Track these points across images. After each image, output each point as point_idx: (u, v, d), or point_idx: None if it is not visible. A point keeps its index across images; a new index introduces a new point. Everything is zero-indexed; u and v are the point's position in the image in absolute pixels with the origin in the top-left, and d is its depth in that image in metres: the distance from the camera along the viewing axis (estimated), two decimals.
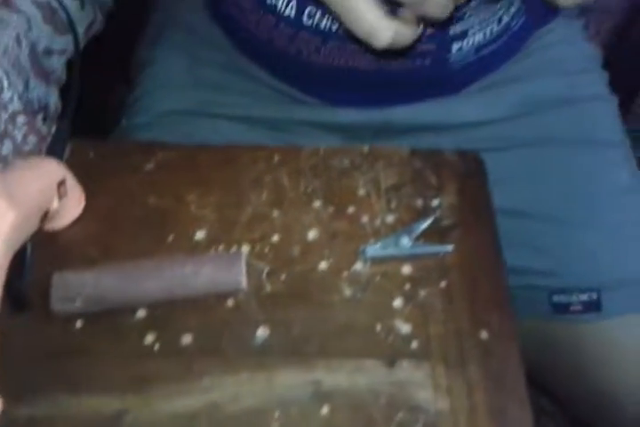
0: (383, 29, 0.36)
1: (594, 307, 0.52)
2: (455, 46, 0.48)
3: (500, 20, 0.49)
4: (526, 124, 0.54)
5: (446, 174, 0.44)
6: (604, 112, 0.58)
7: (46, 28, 0.46)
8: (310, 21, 0.46)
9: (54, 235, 0.40)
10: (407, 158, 0.45)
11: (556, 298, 0.53)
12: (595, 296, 0.52)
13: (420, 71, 0.49)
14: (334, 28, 0.46)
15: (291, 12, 0.46)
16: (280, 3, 0.46)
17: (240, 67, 0.54)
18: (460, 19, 0.46)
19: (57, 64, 0.48)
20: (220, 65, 0.55)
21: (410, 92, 0.52)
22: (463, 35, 0.48)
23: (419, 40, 0.41)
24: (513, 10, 0.50)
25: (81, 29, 0.50)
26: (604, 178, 0.55)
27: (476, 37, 0.49)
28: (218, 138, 0.52)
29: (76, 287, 0.35)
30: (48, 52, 0.47)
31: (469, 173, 0.44)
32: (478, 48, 0.50)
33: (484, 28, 0.49)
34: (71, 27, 0.45)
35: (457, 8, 0.38)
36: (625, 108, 0.84)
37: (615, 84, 0.60)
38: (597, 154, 0.55)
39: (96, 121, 0.61)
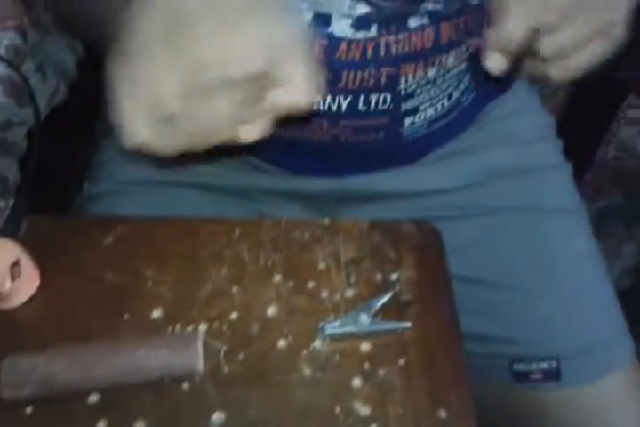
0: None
1: (553, 375, 0.52)
2: (407, 121, 0.50)
3: (450, 96, 0.51)
4: (483, 193, 0.55)
5: (404, 247, 0.44)
6: (559, 180, 0.60)
7: (7, 100, 0.46)
8: None
9: (8, 315, 0.39)
10: (366, 231, 0.45)
11: (516, 366, 0.53)
12: (554, 364, 0.52)
13: (373, 144, 0.50)
14: None
15: None
16: None
17: None
18: (411, 96, 0.48)
19: (17, 136, 0.48)
20: None
21: (366, 162, 0.53)
22: (414, 110, 0.49)
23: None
24: (462, 86, 0.52)
25: (43, 100, 0.50)
26: (560, 245, 0.56)
27: (428, 112, 0.50)
28: (181, 207, 0.52)
29: (27, 373, 0.35)
30: (8, 124, 0.47)
31: (427, 246, 0.45)
32: (430, 122, 0.51)
33: (434, 104, 0.50)
34: (32, 99, 0.45)
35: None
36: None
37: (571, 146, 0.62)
38: (553, 222, 0.56)
39: (58, 186, 0.61)
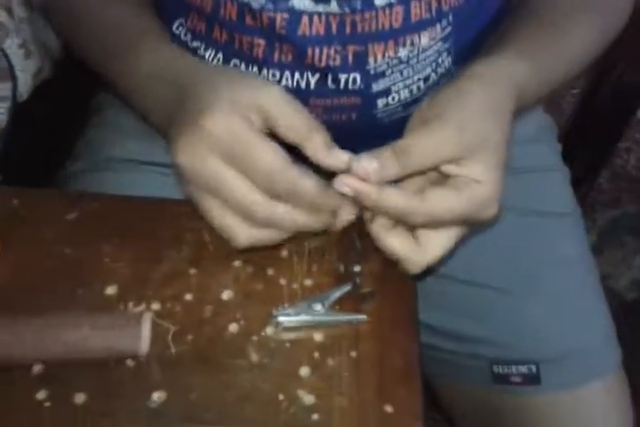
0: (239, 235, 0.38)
1: (533, 380, 0.51)
2: (380, 102, 0.49)
3: (427, 79, 0.49)
4: None
5: (371, 240, 0.44)
6: (552, 183, 0.58)
7: None
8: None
9: None
10: None
11: (495, 368, 0.52)
12: (534, 369, 0.51)
13: (347, 124, 0.49)
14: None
15: (217, 64, 0.48)
16: (208, 53, 0.47)
17: None
18: (381, 75, 0.47)
19: None
20: None
21: (341, 143, 0.53)
22: (387, 91, 0.48)
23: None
24: (441, 70, 0.50)
25: (28, 77, 0.51)
26: (548, 248, 0.55)
27: (402, 94, 0.49)
28: (156, 188, 0.52)
29: None
30: None
31: None
32: (405, 105, 0.50)
33: (409, 86, 0.49)
34: (11, 75, 0.46)
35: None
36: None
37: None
38: (542, 224, 0.55)
39: (42, 163, 0.61)
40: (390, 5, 0.43)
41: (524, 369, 0.51)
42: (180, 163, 0.36)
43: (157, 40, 0.43)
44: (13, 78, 0.46)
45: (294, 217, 0.37)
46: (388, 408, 0.36)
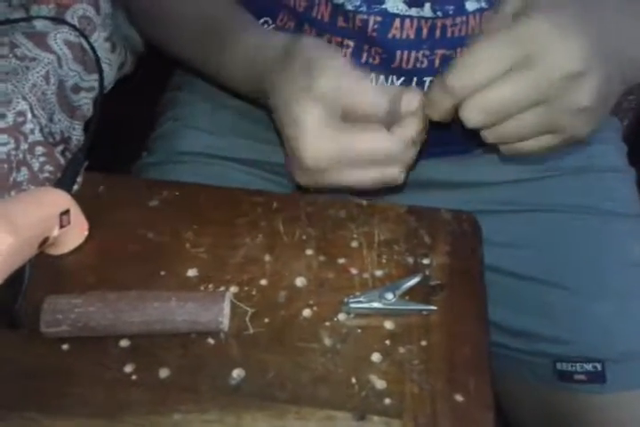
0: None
1: (598, 378, 0.51)
2: None
3: None
4: (538, 189, 0.55)
5: (440, 234, 0.45)
6: (620, 184, 0.58)
7: (76, 66, 0.49)
8: None
9: (54, 260, 0.41)
10: (403, 215, 0.46)
11: (559, 366, 0.52)
12: (599, 367, 0.51)
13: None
14: None
15: None
16: None
17: (258, 115, 0.56)
18: None
19: (84, 100, 0.51)
20: (240, 112, 0.57)
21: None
22: None
23: None
24: None
25: (112, 69, 0.53)
26: (615, 249, 0.55)
27: None
28: (225, 181, 0.54)
29: (64, 312, 0.37)
30: (76, 88, 0.50)
31: (463, 235, 0.45)
32: None
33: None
34: (98, 66, 0.48)
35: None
36: None
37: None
38: (610, 224, 0.55)
39: (120, 152, 0.64)
40: (481, 10, 0.44)
41: (588, 367, 0.51)
42: (308, 136, 0.37)
43: (250, 24, 0.45)
44: (100, 70, 0.48)
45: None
46: (459, 397, 0.37)
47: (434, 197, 0.56)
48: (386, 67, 0.47)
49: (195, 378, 0.37)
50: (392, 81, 0.47)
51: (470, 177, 0.56)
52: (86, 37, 0.48)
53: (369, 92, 0.37)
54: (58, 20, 0.49)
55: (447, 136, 0.52)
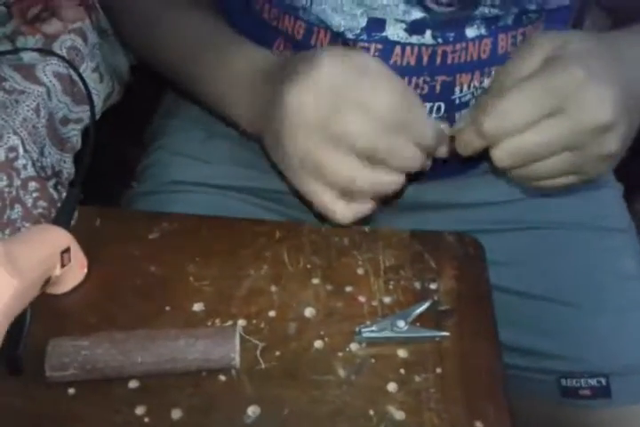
0: (340, 211, 0.38)
1: (603, 393, 0.51)
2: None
3: None
4: (533, 207, 0.55)
5: (445, 258, 0.45)
6: (610, 199, 0.59)
7: (65, 98, 0.48)
8: None
9: (55, 300, 0.40)
10: (407, 240, 0.45)
11: (564, 382, 0.52)
12: (604, 382, 0.51)
13: None
14: None
15: None
16: None
17: (252, 143, 0.56)
18: (465, 105, 0.48)
19: (73, 132, 0.50)
20: (236, 140, 0.57)
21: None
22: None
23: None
24: None
25: (99, 100, 0.52)
26: (610, 264, 0.55)
27: None
28: (223, 210, 0.53)
29: (70, 355, 0.35)
30: (65, 121, 0.49)
31: (469, 258, 0.45)
32: None
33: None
34: (89, 97, 0.47)
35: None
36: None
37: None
38: (604, 240, 0.56)
39: (108, 183, 0.62)
40: (480, 37, 0.45)
41: (593, 382, 0.51)
42: (295, 104, 0.36)
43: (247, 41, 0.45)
44: (91, 102, 0.47)
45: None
46: (479, 424, 0.36)
47: (431, 218, 0.56)
48: None
49: (209, 418, 0.35)
50: None
51: (466, 198, 0.56)
52: (76, 68, 0.47)
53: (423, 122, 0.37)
54: (46, 51, 0.48)
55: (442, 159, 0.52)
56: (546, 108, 0.35)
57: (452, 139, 0.41)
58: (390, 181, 0.38)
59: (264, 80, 0.41)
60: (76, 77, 0.49)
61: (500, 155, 0.37)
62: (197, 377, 0.37)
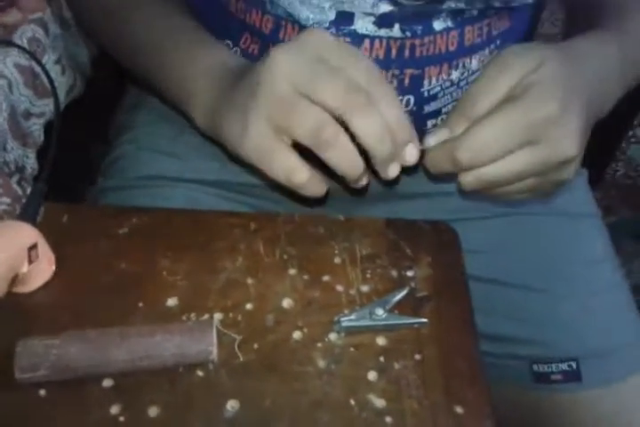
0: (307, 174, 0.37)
1: (574, 377, 0.52)
2: (430, 123, 0.50)
3: None
4: None
5: (421, 246, 0.44)
6: (576, 184, 0.60)
7: (27, 91, 0.46)
8: None
9: (23, 298, 0.39)
10: (382, 229, 0.45)
11: (535, 367, 0.53)
12: (574, 366, 0.52)
13: None
14: None
15: None
16: None
17: None
18: (434, 98, 0.48)
19: (35, 127, 0.48)
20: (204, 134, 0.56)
21: None
22: (437, 112, 0.50)
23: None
24: None
25: (62, 93, 0.51)
26: (578, 249, 0.56)
27: None
28: (195, 205, 0.52)
29: (41, 356, 0.34)
30: (27, 114, 0.47)
31: (443, 245, 0.45)
32: None
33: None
34: (53, 91, 0.46)
35: None
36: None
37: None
38: (571, 225, 0.57)
39: (72, 179, 0.61)
40: (447, 30, 0.45)
41: (564, 366, 0.52)
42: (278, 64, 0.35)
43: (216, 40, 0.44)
44: (55, 95, 0.46)
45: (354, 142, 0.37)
46: (459, 409, 0.36)
47: (404, 208, 0.56)
48: None
49: (187, 414, 0.35)
50: None
51: (437, 187, 0.56)
52: (38, 60, 0.46)
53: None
54: (6, 42, 0.46)
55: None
56: (522, 141, 0.37)
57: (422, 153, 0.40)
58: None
59: (225, 72, 0.40)
60: (37, 69, 0.47)
61: (470, 181, 0.38)
62: (174, 373, 0.36)
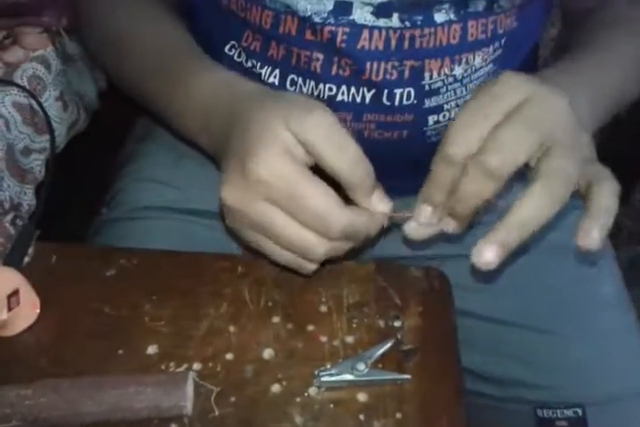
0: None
1: (579, 423, 0.50)
2: (431, 119, 0.49)
3: None
4: None
5: (410, 293, 0.43)
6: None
7: (26, 129, 0.47)
8: (293, 88, 0.48)
9: (4, 343, 0.39)
10: (372, 275, 0.44)
11: (540, 412, 0.51)
12: (580, 412, 0.50)
13: (397, 143, 0.49)
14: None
15: (274, 80, 0.48)
16: (263, 71, 0.48)
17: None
18: (435, 93, 0.47)
19: (36, 162, 0.49)
20: (202, 162, 0.55)
21: (386, 166, 0.50)
22: (439, 108, 0.48)
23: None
24: None
25: (63, 128, 0.51)
26: (588, 290, 0.54)
27: (453, 112, 0.49)
28: (188, 237, 0.52)
29: (13, 406, 0.34)
30: (27, 151, 0.48)
31: (433, 293, 0.44)
32: None
33: (460, 105, 0.49)
34: (49, 129, 0.46)
35: None
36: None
37: None
38: (583, 266, 0.55)
39: (77, 212, 0.61)
40: (449, 22, 0.44)
41: (569, 413, 0.50)
42: (229, 204, 0.36)
43: (213, 63, 0.44)
44: (51, 132, 0.46)
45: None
46: None
47: (397, 243, 0.54)
48: (356, 79, 0.46)
49: None
50: (363, 92, 0.46)
51: None
52: (36, 98, 0.46)
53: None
54: (6, 81, 0.47)
55: (417, 155, 0.51)
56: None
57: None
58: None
59: (215, 107, 0.40)
60: (37, 107, 0.48)
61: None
62: (148, 425, 0.36)
